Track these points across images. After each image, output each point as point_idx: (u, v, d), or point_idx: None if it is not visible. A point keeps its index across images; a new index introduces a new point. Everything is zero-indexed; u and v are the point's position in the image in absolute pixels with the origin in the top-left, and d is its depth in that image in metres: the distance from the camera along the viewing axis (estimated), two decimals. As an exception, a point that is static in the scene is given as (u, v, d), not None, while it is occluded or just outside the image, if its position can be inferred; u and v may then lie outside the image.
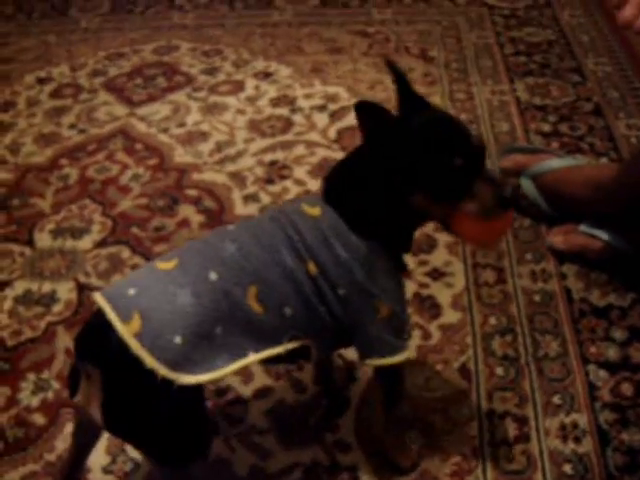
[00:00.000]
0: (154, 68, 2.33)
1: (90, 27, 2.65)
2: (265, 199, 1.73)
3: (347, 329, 1.03)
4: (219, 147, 1.92)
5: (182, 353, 0.89)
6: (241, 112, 2.06)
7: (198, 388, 0.94)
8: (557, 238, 1.55)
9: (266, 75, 2.22)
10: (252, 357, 0.96)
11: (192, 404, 0.96)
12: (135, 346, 0.87)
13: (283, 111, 2.06)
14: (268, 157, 1.87)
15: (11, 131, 2.10)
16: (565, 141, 1.86)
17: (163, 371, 0.87)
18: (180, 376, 0.89)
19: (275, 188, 1.76)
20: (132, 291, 0.91)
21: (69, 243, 1.67)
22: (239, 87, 2.17)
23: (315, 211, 1.00)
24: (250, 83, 2.19)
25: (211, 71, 2.27)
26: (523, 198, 1.64)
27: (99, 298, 0.91)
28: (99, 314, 0.90)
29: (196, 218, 1.70)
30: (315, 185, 1.72)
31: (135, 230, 1.69)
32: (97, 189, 1.83)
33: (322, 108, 2.05)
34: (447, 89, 2.08)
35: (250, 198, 1.74)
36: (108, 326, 0.88)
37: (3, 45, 2.60)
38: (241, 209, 1.71)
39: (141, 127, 2.04)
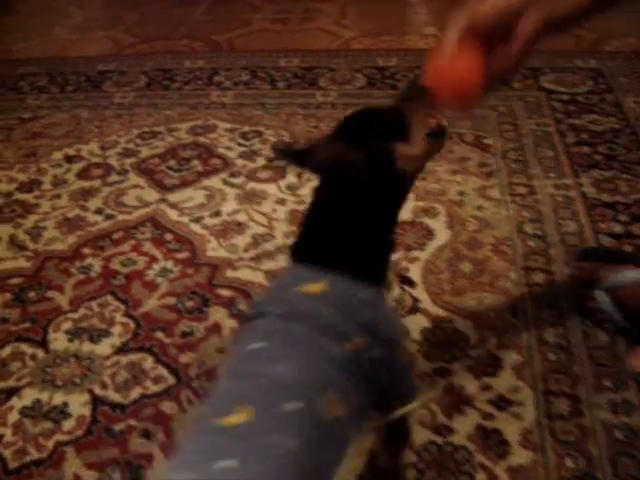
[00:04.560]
0: (189, 149, 2.19)
1: (124, 102, 2.54)
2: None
3: (384, 389, 0.98)
4: (256, 241, 1.76)
5: None
6: (281, 202, 1.90)
7: None
8: (638, 362, 1.35)
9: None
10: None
11: None
12: None
13: (327, 202, 1.89)
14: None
15: (33, 213, 1.96)
16: (639, 243, 1.67)
17: None
18: None
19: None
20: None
21: (86, 347, 1.50)
22: (280, 174, 2.02)
23: (319, 287, 0.94)
24: (292, 169, 2.03)
25: (250, 155, 2.12)
26: (598, 312, 1.44)
27: None
28: None
29: (228, 323, 1.52)
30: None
31: (160, 335, 1.51)
32: (121, 284, 1.67)
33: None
34: (506, 181, 1.91)
35: (289, 303, 1.56)
36: None
37: (34, 119, 2.50)
38: (278, 314, 1.53)
39: (172, 215, 1.89)
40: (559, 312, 1.49)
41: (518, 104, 2.31)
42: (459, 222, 1.77)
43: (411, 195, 1.81)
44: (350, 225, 0.98)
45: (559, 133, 2.13)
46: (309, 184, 1.93)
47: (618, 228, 1.73)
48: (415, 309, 1.51)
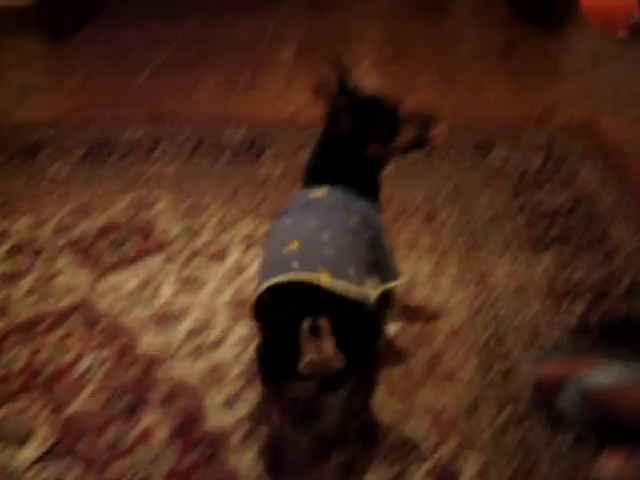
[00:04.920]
0: (126, 228, 2.05)
1: (59, 176, 2.40)
2: (242, 408, 1.43)
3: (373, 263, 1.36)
4: (195, 332, 1.63)
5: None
6: (222, 287, 1.78)
7: None
8: (611, 465, 1.24)
9: (255, 239, 1.96)
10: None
11: None
12: (339, 285, 1.17)
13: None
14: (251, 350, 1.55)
15: (-46, 300, 1.81)
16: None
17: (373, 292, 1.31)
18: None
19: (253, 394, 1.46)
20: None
21: (4, 456, 1.35)
22: (221, 255, 1.90)
23: (325, 191, 1.37)
24: (236, 249, 1.92)
25: (191, 234, 2.00)
26: (562, 418, 1.34)
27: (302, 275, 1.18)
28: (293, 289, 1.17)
29: (163, 428, 1.38)
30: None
31: (87, 441, 1.37)
32: (45, 382, 1.52)
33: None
34: (459, 263, 1.82)
35: (227, 404, 1.44)
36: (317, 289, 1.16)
37: (-39, 194, 2.34)
38: (215, 419, 1.40)
39: (105, 302, 1.75)
40: (522, 409, 1.39)
41: (469, 180, 2.23)
42: (412, 308, 1.67)
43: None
44: (346, 156, 1.40)
45: (512, 210, 2.06)
46: (253, 265, 1.82)
47: (580, 309, 1.65)
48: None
